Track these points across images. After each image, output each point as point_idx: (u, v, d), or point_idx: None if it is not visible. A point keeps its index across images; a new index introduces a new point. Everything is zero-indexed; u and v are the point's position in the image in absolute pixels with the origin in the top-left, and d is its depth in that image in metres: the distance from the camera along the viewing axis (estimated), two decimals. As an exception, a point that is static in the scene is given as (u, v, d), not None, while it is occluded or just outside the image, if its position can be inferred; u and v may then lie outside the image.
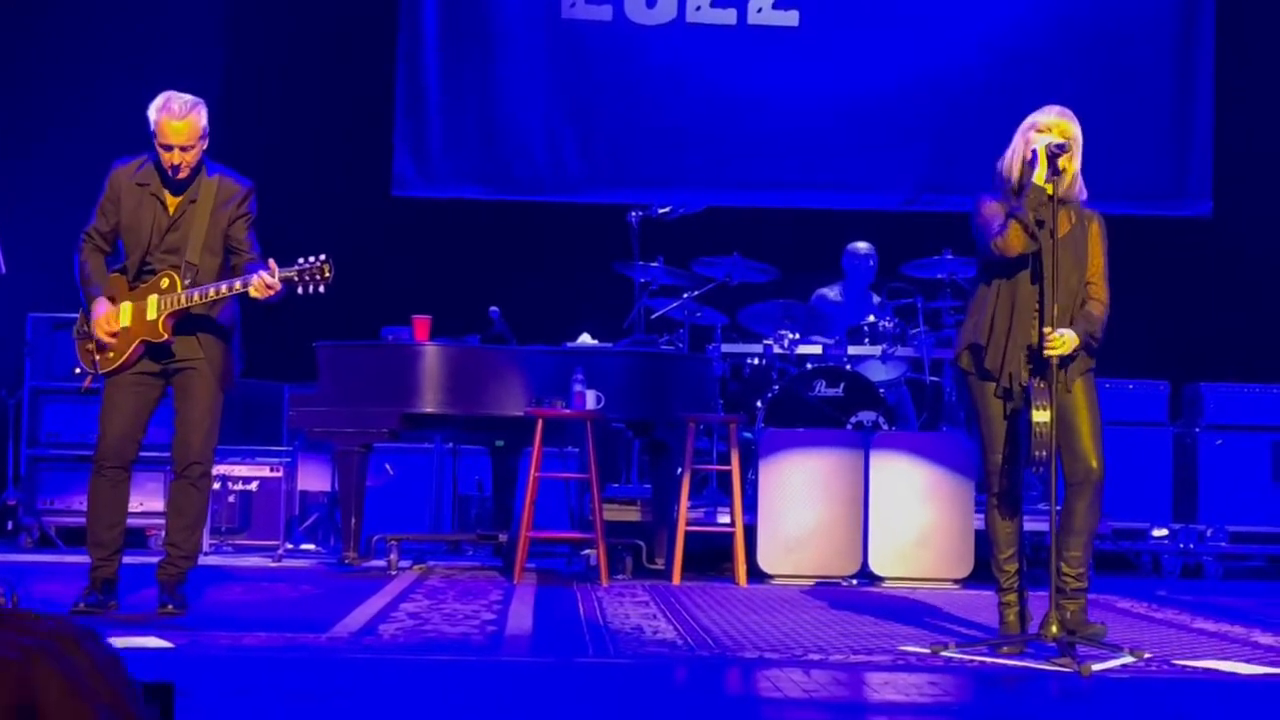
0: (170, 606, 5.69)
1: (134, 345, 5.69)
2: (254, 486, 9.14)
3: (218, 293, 5.63)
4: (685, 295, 9.14)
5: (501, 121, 10.84)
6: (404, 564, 8.00)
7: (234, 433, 9.09)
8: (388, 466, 9.41)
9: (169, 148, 5.64)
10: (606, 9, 10.87)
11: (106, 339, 5.70)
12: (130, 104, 9.70)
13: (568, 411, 7.51)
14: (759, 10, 10.89)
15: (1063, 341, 5.09)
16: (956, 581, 7.77)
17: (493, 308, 8.52)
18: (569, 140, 10.86)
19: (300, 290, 5.62)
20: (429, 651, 4.95)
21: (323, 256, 5.61)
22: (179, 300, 5.65)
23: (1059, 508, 5.19)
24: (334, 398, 7.83)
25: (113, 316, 5.69)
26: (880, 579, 7.82)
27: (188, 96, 5.67)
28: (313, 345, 7.98)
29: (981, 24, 10.87)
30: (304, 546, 9.15)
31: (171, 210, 5.73)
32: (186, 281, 5.66)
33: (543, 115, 10.86)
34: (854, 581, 7.81)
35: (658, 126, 10.82)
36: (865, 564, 7.85)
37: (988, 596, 6.37)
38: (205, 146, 5.72)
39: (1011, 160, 5.33)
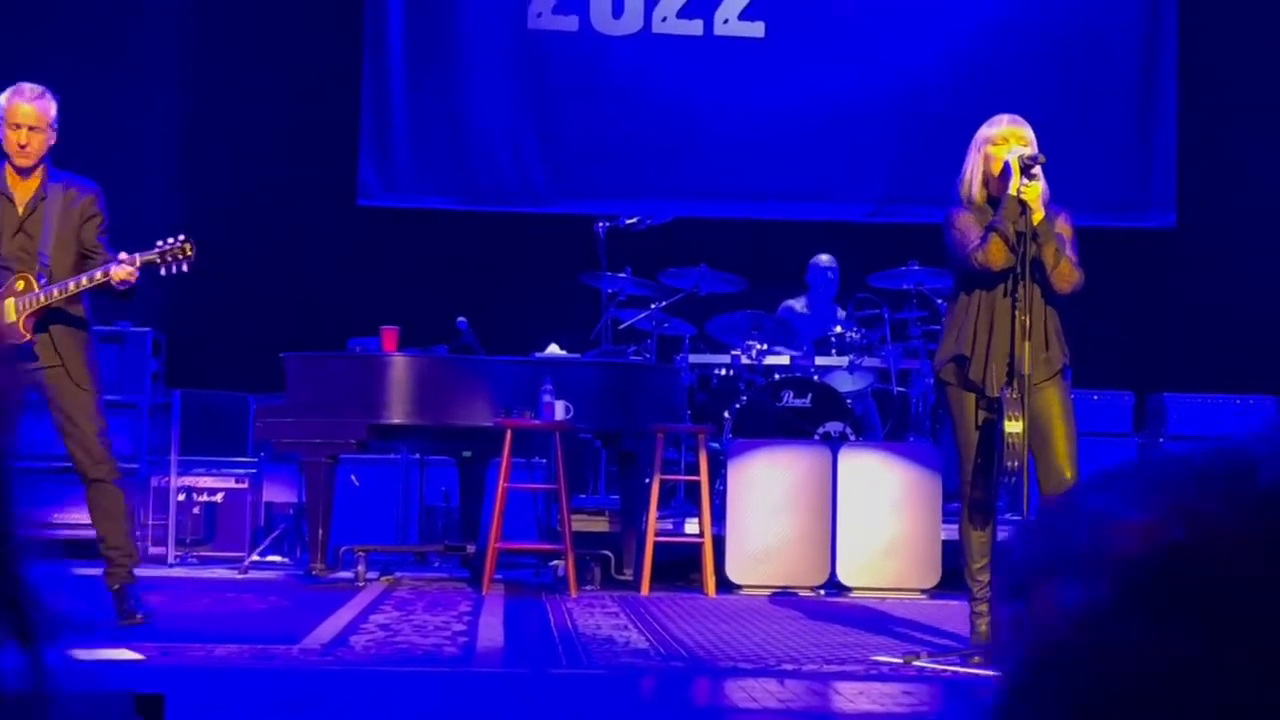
0: (137, 615, 5.64)
1: None
2: (219, 498, 9.06)
3: (78, 286, 5.63)
4: (653, 306, 9.14)
5: (467, 131, 10.82)
6: (371, 575, 7.96)
7: (199, 444, 9.03)
8: (353, 478, 9.36)
9: (16, 127, 5.69)
10: (573, 19, 10.86)
11: None
12: (92, 115, 9.73)
13: (537, 422, 7.50)
14: (725, 21, 10.91)
15: (1033, 188, 5.08)
16: (924, 591, 7.78)
17: (460, 318, 8.49)
18: (535, 150, 10.84)
19: (164, 271, 5.74)
20: (402, 663, 4.93)
21: (181, 236, 5.71)
22: (38, 300, 5.64)
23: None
24: (301, 409, 7.80)
25: None
26: (848, 589, 7.83)
27: (39, 86, 5.77)
28: (279, 356, 7.94)
29: (946, 36, 10.91)
30: (270, 558, 9.10)
31: (20, 210, 5.75)
32: (42, 281, 5.66)
33: (509, 125, 10.84)
34: (822, 592, 7.82)
35: (624, 137, 10.81)
36: (833, 574, 7.85)
37: (956, 606, 6.40)
38: (53, 141, 5.75)
39: (970, 178, 5.32)
